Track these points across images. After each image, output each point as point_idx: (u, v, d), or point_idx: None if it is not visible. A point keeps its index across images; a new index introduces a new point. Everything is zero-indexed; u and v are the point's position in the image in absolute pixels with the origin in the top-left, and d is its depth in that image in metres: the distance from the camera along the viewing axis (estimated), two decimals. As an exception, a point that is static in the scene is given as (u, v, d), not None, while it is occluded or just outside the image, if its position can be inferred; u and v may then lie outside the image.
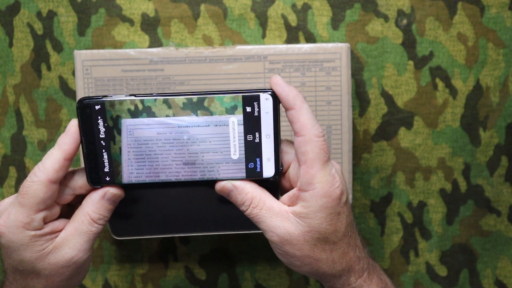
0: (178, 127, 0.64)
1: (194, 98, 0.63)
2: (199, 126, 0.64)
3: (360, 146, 0.90)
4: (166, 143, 0.64)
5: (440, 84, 0.89)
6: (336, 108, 0.83)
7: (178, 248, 0.92)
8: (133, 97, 0.63)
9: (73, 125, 0.63)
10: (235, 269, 0.93)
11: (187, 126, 0.64)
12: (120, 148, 0.64)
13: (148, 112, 0.63)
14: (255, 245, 0.92)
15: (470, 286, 0.93)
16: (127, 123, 0.63)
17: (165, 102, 0.63)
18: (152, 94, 0.63)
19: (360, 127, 0.90)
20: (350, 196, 0.85)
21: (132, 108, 0.63)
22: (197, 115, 0.63)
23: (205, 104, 0.63)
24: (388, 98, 0.89)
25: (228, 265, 0.93)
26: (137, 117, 0.63)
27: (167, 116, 0.63)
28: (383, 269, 0.76)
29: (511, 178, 0.92)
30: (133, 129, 0.63)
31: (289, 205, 0.65)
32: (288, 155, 0.66)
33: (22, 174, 0.91)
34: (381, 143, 0.90)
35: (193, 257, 0.93)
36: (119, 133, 0.63)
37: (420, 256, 0.93)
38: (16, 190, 0.91)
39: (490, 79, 0.89)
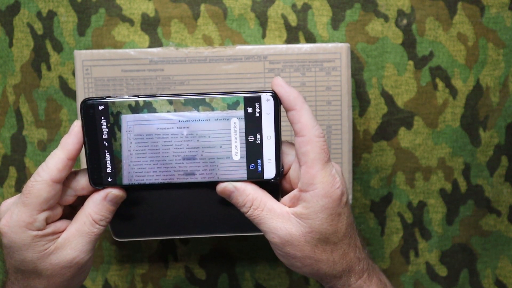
0: (179, 122, 0.64)
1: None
2: (200, 121, 0.64)
3: (360, 146, 0.90)
4: (166, 138, 0.64)
5: (440, 84, 0.89)
6: (336, 108, 0.83)
7: (178, 248, 0.92)
8: (136, 98, 0.63)
9: (76, 126, 0.63)
10: (235, 269, 0.93)
11: (187, 121, 0.64)
12: (120, 145, 0.64)
13: (149, 108, 0.63)
14: (255, 245, 0.92)
15: (470, 286, 0.94)
16: (127, 119, 0.63)
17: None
18: (154, 95, 0.63)
19: (360, 127, 0.90)
20: (350, 196, 0.85)
21: (133, 104, 0.63)
22: (198, 110, 0.63)
23: (207, 100, 0.63)
24: (388, 98, 0.89)
25: (228, 265, 0.93)
26: (138, 113, 0.63)
27: (168, 111, 0.63)
28: (383, 270, 0.76)
29: (511, 178, 0.92)
30: (133, 125, 0.64)
31: (289, 206, 0.65)
32: (288, 156, 0.66)
33: (22, 174, 0.91)
34: (381, 143, 0.90)
35: (193, 257, 0.93)
36: (120, 129, 0.64)
37: (420, 256, 0.93)
38: (16, 190, 0.91)
39: (490, 79, 0.89)
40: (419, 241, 0.93)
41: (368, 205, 0.92)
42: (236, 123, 0.64)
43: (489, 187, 0.92)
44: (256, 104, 0.63)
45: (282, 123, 0.66)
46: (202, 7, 0.88)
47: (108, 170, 0.64)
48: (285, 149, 0.66)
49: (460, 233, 0.93)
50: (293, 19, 0.88)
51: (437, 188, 0.91)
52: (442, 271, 0.93)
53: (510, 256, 0.94)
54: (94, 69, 0.83)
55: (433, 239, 0.92)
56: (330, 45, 0.82)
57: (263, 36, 0.88)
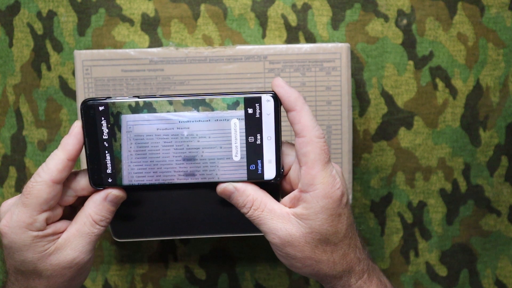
0: (179, 122, 0.64)
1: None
2: (200, 121, 0.64)
3: (360, 146, 0.90)
4: (167, 139, 0.64)
5: (440, 84, 0.89)
6: (336, 108, 0.83)
7: (178, 248, 0.92)
8: (136, 99, 0.63)
9: (76, 126, 0.63)
10: (235, 269, 0.93)
11: (188, 121, 0.64)
12: (121, 145, 0.64)
13: (149, 108, 0.63)
14: (255, 245, 0.92)
15: (470, 286, 0.94)
16: (127, 119, 0.63)
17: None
18: (155, 95, 0.63)
19: (360, 127, 0.90)
20: (350, 196, 0.85)
21: (133, 104, 0.63)
22: (198, 111, 0.63)
23: (207, 100, 0.63)
24: (388, 98, 0.89)
25: (228, 265, 0.93)
26: (138, 113, 0.63)
27: (168, 112, 0.63)
28: (383, 270, 0.76)
29: (511, 178, 0.92)
30: (133, 125, 0.63)
31: (290, 207, 0.65)
32: (288, 157, 0.66)
33: (22, 174, 0.91)
34: (381, 143, 0.90)
35: (193, 257, 0.93)
36: (120, 129, 0.64)
37: (420, 256, 0.93)
38: (16, 190, 0.91)
39: (490, 79, 0.89)
40: (419, 241, 0.93)
41: (368, 205, 0.92)
42: (236, 123, 0.64)
43: (489, 187, 0.92)
44: (256, 104, 0.63)
45: (282, 124, 0.66)
46: (202, 7, 0.88)
47: (108, 171, 0.64)
48: (286, 149, 0.66)
49: (460, 233, 0.93)
50: (293, 19, 0.88)
51: (437, 188, 0.91)
52: (442, 271, 0.93)
53: (510, 256, 0.94)
54: (94, 69, 0.83)
55: (433, 239, 0.92)
56: (330, 45, 0.82)
57: (263, 36, 0.88)
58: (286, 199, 0.65)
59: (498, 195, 0.92)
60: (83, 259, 0.65)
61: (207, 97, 0.63)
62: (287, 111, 0.63)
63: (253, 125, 0.64)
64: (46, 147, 0.90)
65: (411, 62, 0.89)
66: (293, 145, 0.66)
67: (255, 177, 0.65)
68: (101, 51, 0.83)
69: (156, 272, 0.93)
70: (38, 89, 0.89)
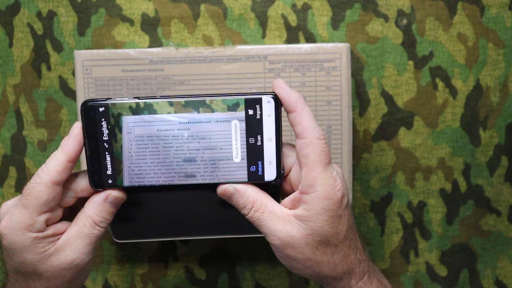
0: (179, 123, 0.64)
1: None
2: (200, 122, 0.64)
3: (360, 146, 0.90)
4: (167, 140, 0.64)
5: (440, 84, 0.89)
6: (336, 108, 0.83)
7: (178, 248, 0.92)
8: (136, 100, 0.63)
9: (76, 127, 0.63)
10: (235, 269, 0.93)
11: (188, 123, 0.64)
12: (121, 146, 0.64)
13: (150, 109, 0.63)
14: (255, 245, 0.92)
15: (470, 286, 0.94)
16: (127, 120, 0.63)
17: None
18: (155, 96, 0.63)
19: (360, 127, 0.90)
20: (350, 196, 0.85)
21: (134, 105, 0.63)
22: (198, 112, 0.63)
23: (207, 101, 0.63)
24: (388, 98, 0.89)
25: (228, 265, 0.93)
26: (139, 114, 0.63)
27: (168, 113, 0.63)
28: (383, 270, 0.75)
29: (511, 178, 0.92)
30: (134, 126, 0.63)
31: (290, 208, 0.65)
32: (289, 158, 0.66)
33: (22, 174, 0.91)
34: (381, 143, 0.90)
35: (193, 257, 0.93)
36: (120, 130, 0.63)
37: (420, 256, 0.93)
38: (16, 190, 0.91)
39: (490, 79, 0.89)
40: (419, 241, 0.93)
41: (368, 205, 0.92)
42: (237, 125, 0.64)
43: (489, 187, 0.92)
44: (257, 106, 0.63)
45: (283, 125, 0.66)
46: (202, 7, 0.88)
47: (109, 172, 0.64)
48: (286, 151, 0.66)
49: (460, 233, 0.93)
50: (293, 19, 0.88)
51: (437, 188, 0.91)
52: (442, 271, 0.93)
53: (510, 256, 0.94)
54: (94, 69, 0.83)
55: (433, 239, 0.92)
56: (330, 45, 0.82)
57: (263, 36, 0.88)
58: (287, 200, 0.65)
59: (498, 195, 0.92)
60: (83, 260, 0.65)
61: (207, 98, 0.63)
62: (287, 112, 0.63)
63: (253, 126, 0.64)
64: (46, 147, 0.90)
65: (411, 62, 0.89)
66: (293, 146, 0.66)
67: (255, 179, 0.65)
68: (101, 51, 0.83)
69: (156, 272, 0.93)
70: (38, 89, 0.89)
